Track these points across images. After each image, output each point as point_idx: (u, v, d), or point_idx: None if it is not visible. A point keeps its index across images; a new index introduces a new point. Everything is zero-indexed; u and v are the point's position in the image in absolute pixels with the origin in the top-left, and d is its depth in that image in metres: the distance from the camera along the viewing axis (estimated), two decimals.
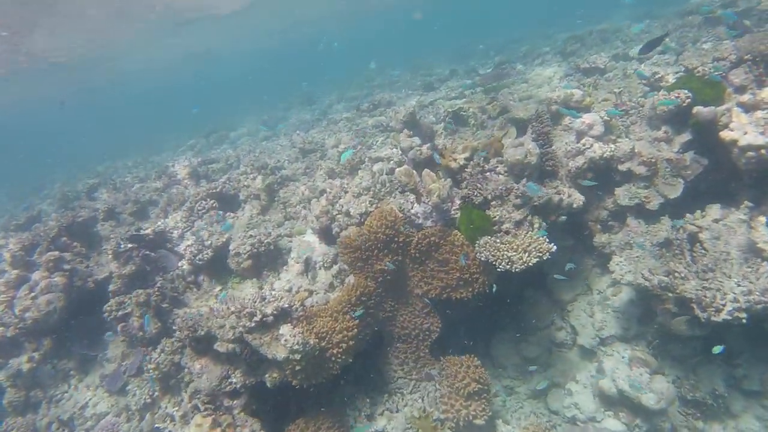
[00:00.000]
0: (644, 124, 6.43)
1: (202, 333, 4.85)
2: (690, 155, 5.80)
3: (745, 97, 5.36)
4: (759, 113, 5.20)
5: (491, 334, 6.75)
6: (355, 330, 5.16)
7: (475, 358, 5.61)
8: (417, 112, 6.92)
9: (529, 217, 5.66)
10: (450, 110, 8.27)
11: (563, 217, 5.85)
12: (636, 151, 6.09)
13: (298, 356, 4.48)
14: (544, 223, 5.64)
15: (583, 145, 6.24)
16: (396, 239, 5.64)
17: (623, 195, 6.14)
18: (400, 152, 6.97)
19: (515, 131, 7.05)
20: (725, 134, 5.08)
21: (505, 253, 5.16)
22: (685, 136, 5.97)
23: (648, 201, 5.96)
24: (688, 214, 5.43)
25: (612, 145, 6.20)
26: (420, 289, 5.93)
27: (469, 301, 5.75)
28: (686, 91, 5.83)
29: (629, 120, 6.65)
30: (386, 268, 5.55)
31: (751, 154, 4.88)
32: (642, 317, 5.93)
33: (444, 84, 14.23)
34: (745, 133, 4.94)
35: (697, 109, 5.51)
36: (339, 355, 4.97)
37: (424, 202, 5.77)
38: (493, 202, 5.67)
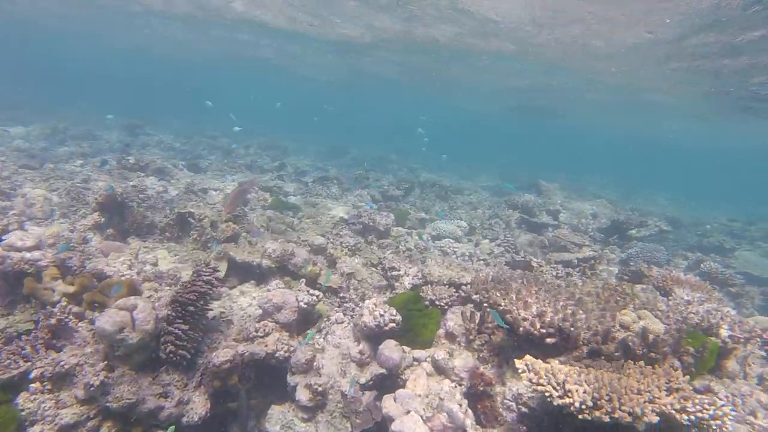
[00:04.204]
0: (350, 328, 4.89)
1: None
2: (369, 399, 4.22)
3: (441, 354, 3.99)
4: (446, 382, 3.81)
5: None
6: None
7: None
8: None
9: (95, 421, 3.56)
10: (176, 210, 6.25)
11: None
12: (316, 365, 4.43)
13: None
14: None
15: (257, 330, 4.47)
16: None
17: (278, 418, 4.34)
18: None
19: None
20: (388, 403, 3.55)
21: None
22: (382, 369, 4.45)
23: None
24: None
25: (289, 344, 4.49)
26: None
27: None
28: (394, 313, 4.41)
29: (339, 310, 5.10)
30: None
31: None
32: None
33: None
34: (408, 413, 3.42)
35: (369, 344, 4.02)
36: None
37: None
38: (51, 383, 3.51)
